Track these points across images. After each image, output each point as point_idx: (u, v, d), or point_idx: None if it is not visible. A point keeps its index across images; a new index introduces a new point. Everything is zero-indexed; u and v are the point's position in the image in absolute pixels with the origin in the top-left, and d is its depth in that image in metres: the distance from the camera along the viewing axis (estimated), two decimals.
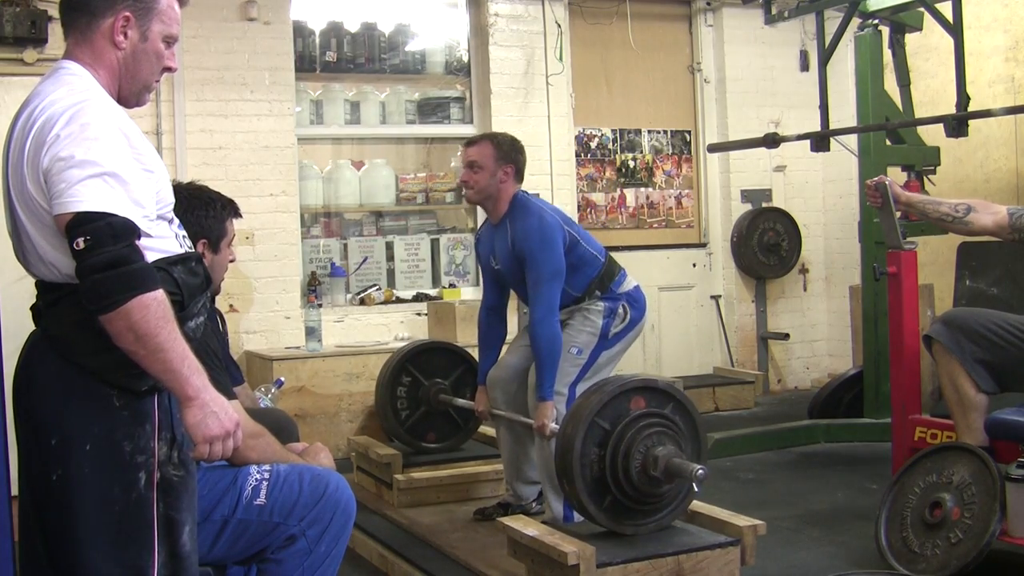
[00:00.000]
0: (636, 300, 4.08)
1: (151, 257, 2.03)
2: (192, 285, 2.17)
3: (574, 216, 7.18)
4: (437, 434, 4.75)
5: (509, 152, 4.06)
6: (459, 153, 4.31)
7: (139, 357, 1.97)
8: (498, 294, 4.26)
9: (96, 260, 1.92)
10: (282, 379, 4.74)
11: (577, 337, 3.94)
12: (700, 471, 2.98)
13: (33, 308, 2.19)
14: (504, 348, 4.32)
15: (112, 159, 1.99)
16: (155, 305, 1.95)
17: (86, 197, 1.94)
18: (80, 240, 1.92)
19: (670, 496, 3.18)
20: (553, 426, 3.73)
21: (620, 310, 4.01)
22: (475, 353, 4.50)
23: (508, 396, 4.18)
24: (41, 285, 2.13)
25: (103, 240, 1.93)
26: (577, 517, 3.95)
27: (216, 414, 2.03)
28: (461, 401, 4.56)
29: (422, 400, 4.69)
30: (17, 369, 2.16)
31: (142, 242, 2.00)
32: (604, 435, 3.09)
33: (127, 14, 2.15)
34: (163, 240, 2.14)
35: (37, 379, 2.10)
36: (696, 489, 3.06)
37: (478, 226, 7.13)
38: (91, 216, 1.93)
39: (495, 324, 4.27)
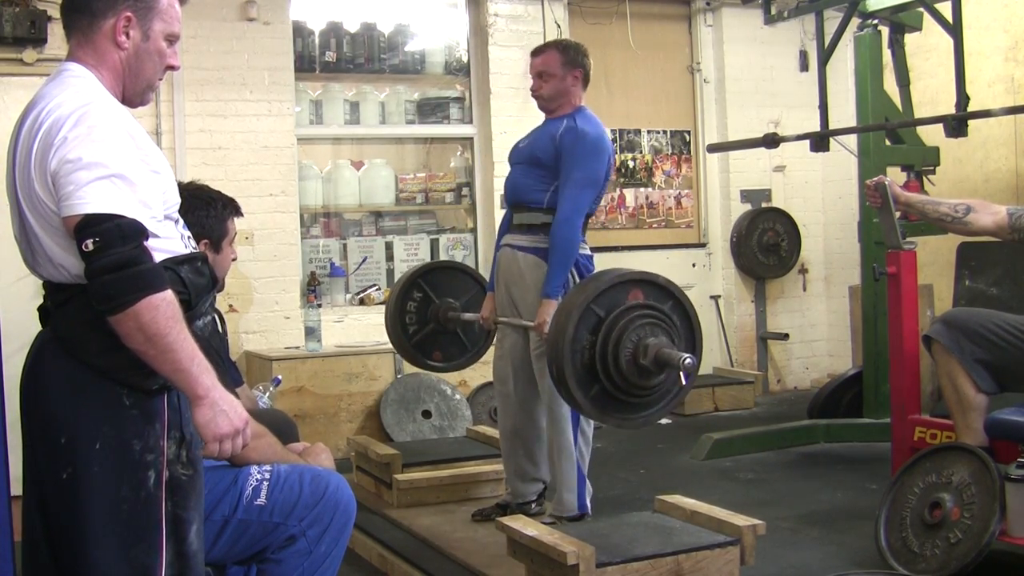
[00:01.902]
0: (586, 267, 4.00)
1: (158, 257, 2.04)
2: (199, 285, 2.18)
3: None
4: (443, 353, 4.67)
5: (576, 57, 4.06)
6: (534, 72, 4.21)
7: (149, 357, 1.98)
8: None
9: (105, 261, 1.94)
10: (279, 377, 4.73)
11: None
12: (688, 359, 2.92)
13: (41, 309, 2.20)
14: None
15: (119, 160, 2.00)
16: (164, 305, 1.97)
17: (94, 199, 1.95)
18: (89, 242, 1.94)
19: (660, 392, 3.11)
20: None
21: (570, 281, 3.92)
22: None
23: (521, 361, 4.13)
24: (49, 286, 2.14)
25: (112, 241, 1.94)
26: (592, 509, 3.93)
27: (226, 412, 2.05)
28: (468, 315, 4.50)
29: (431, 317, 4.60)
30: (25, 369, 2.16)
31: (149, 242, 2.01)
32: (597, 322, 3.02)
33: (128, 14, 2.15)
34: (169, 240, 2.15)
35: (46, 379, 2.11)
36: (684, 381, 3.00)
37: (478, 226, 7.16)
38: (100, 218, 1.95)
39: None
